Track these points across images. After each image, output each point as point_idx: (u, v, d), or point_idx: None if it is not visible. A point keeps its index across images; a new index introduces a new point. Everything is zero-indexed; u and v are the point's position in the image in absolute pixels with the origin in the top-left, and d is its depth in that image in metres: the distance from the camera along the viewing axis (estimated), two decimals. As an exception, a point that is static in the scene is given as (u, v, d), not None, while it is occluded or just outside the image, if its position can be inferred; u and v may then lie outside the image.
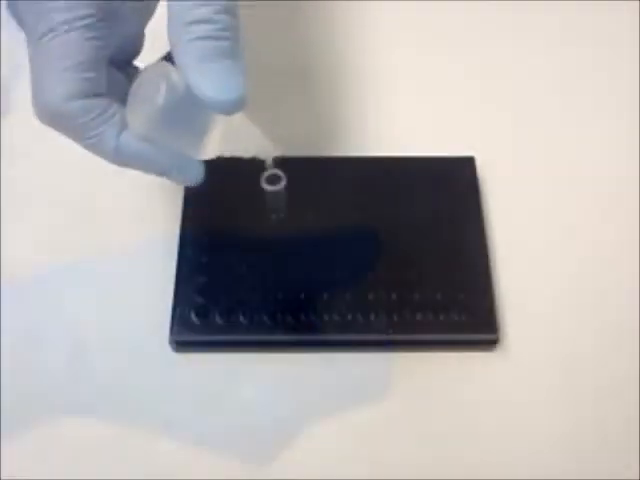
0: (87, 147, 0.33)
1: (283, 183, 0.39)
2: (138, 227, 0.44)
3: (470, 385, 0.40)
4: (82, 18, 0.31)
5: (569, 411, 0.39)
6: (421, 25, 0.52)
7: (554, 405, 0.39)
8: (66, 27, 0.31)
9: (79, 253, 0.43)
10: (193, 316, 0.39)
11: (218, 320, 0.39)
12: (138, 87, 0.32)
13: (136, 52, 0.35)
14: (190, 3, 0.30)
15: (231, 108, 0.31)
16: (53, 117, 0.32)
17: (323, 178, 0.44)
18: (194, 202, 0.43)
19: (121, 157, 0.33)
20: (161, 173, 0.34)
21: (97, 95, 0.32)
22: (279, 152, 0.36)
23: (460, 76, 0.50)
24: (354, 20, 0.52)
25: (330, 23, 0.52)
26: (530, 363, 0.40)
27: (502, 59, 0.51)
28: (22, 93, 0.45)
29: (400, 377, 0.40)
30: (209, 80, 0.30)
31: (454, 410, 0.39)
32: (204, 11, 0.30)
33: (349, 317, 0.39)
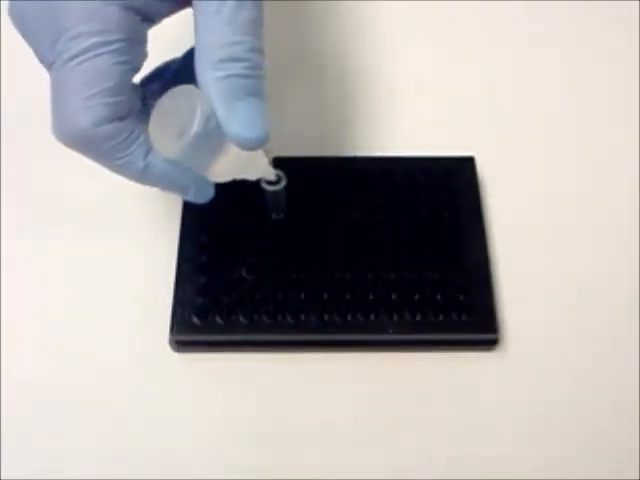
0: (114, 168, 0.33)
1: (283, 183, 0.39)
2: (138, 227, 0.44)
3: (470, 385, 0.40)
4: (112, 42, 0.31)
5: (569, 411, 0.39)
6: (421, 25, 0.52)
7: (554, 405, 0.39)
8: (96, 51, 0.31)
9: (79, 253, 0.43)
10: (193, 316, 0.39)
11: (218, 320, 0.39)
12: (166, 112, 0.32)
13: (140, 68, 0.35)
14: (223, 40, 0.31)
15: (255, 145, 0.32)
16: (80, 142, 0.32)
17: (323, 178, 0.44)
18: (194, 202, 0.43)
19: (148, 177, 0.34)
20: (180, 191, 0.35)
21: (123, 117, 0.32)
22: (274, 176, 0.37)
23: (460, 76, 0.50)
24: (354, 20, 0.52)
25: (331, 23, 0.52)
26: (530, 363, 0.40)
27: (502, 59, 0.51)
28: (22, 94, 0.45)
29: (400, 377, 0.40)
30: (237, 118, 0.31)
31: (454, 410, 0.39)
32: (236, 49, 0.31)
33: (349, 317, 0.39)
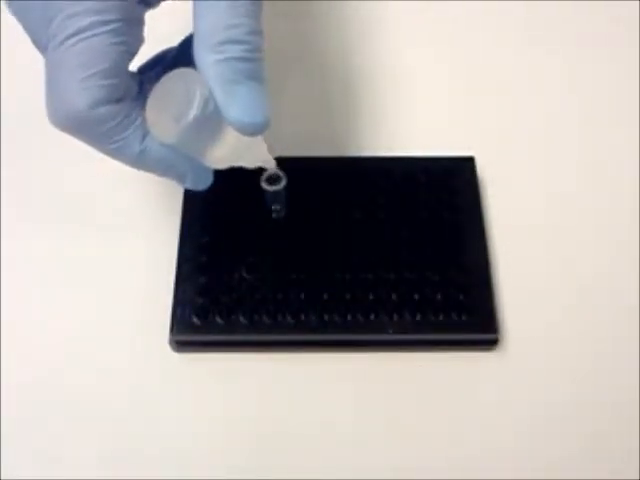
0: (109, 152, 0.33)
1: (283, 183, 0.39)
2: (138, 227, 0.44)
3: (470, 385, 0.40)
4: (109, 22, 0.30)
5: (569, 411, 0.39)
6: (422, 25, 0.52)
7: (554, 405, 0.39)
8: (93, 31, 0.30)
9: (79, 253, 0.43)
10: (193, 316, 0.39)
11: (218, 320, 0.39)
12: (164, 95, 0.32)
13: (137, 52, 0.35)
14: (222, 23, 0.31)
15: (255, 130, 0.32)
16: (75, 125, 0.31)
17: (323, 178, 0.44)
18: (194, 202, 0.43)
19: (144, 161, 0.33)
20: (177, 177, 0.35)
21: (120, 100, 0.32)
22: (274, 164, 0.37)
23: (461, 76, 0.50)
24: (357, 21, 0.52)
25: (334, 23, 0.52)
26: (530, 363, 0.40)
27: (503, 59, 0.51)
28: (22, 93, 0.45)
29: (400, 377, 0.40)
30: (237, 102, 0.31)
31: (454, 410, 0.39)
32: (236, 32, 0.31)
33: (349, 317, 0.39)
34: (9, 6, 0.32)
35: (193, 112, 0.30)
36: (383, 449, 0.38)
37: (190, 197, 0.43)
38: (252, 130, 0.32)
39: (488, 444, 0.38)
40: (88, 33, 0.30)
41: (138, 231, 0.44)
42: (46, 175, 0.46)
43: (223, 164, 0.34)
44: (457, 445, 0.38)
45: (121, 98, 0.32)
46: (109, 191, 0.45)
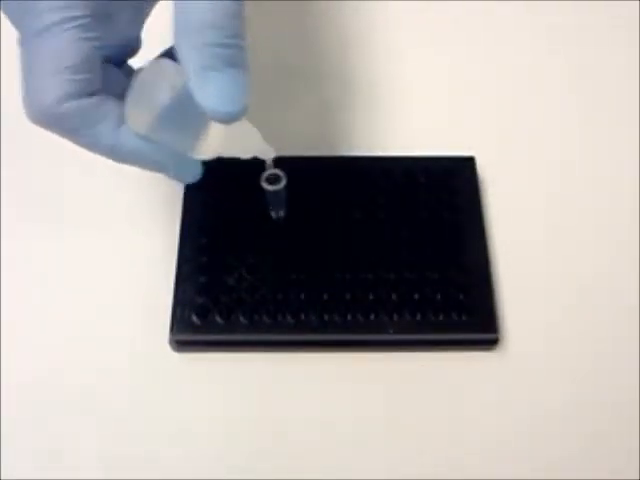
0: (84, 145, 0.33)
1: (283, 183, 0.39)
2: (138, 227, 0.44)
3: (470, 385, 0.40)
4: (77, 18, 0.31)
5: (569, 411, 0.39)
6: (421, 26, 0.52)
7: (554, 405, 0.39)
8: (61, 27, 0.30)
9: (79, 253, 0.43)
10: (193, 316, 0.39)
11: (218, 320, 0.39)
12: (139, 86, 0.32)
13: (133, 51, 0.35)
14: (201, 6, 0.30)
15: (229, 119, 0.31)
16: (48, 119, 0.32)
17: (323, 178, 0.44)
18: (194, 202, 0.43)
19: (118, 154, 0.33)
20: (158, 170, 0.35)
21: (92, 94, 0.32)
22: (274, 154, 0.36)
23: (460, 76, 0.50)
24: (357, 21, 0.52)
25: (334, 23, 0.52)
26: (530, 363, 0.40)
27: (503, 59, 0.51)
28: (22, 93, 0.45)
29: (400, 377, 0.40)
30: (211, 89, 0.30)
31: (454, 410, 0.39)
32: (214, 16, 0.30)
33: (349, 317, 0.39)
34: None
35: (162, 101, 0.30)
36: (383, 449, 0.38)
37: (190, 197, 0.43)
38: (226, 118, 0.31)
39: (488, 444, 0.38)
40: (58, 28, 0.30)
41: (138, 231, 0.44)
42: (46, 175, 0.46)
43: (210, 154, 0.34)
44: (457, 445, 0.38)
45: (93, 92, 0.32)
46: (109, 191, 0.45)
